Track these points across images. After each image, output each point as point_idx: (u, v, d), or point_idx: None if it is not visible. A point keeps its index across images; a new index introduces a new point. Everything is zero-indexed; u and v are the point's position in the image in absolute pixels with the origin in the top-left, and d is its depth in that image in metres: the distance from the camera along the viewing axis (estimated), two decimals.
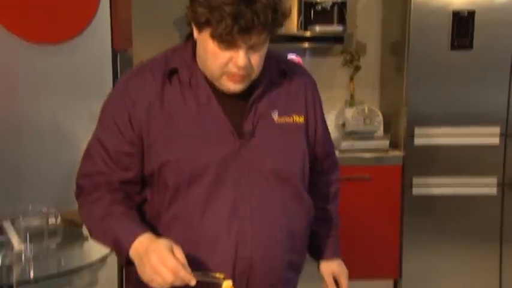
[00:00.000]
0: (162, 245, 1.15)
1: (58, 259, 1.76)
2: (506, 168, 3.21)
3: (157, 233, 1.27)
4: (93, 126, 1.34)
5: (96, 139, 1.32)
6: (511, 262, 3.29)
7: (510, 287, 3.32)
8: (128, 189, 1.32)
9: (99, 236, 1.30)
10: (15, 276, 1.65)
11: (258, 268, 1.29)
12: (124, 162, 1.29)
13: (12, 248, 1.69)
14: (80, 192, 1.34)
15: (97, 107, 1.33)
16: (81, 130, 1.48)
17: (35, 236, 1.72)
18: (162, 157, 1.26)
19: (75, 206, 2.00)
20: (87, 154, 1.34)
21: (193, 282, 1.14)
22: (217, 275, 1.20)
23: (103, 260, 1.79)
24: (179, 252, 1.15)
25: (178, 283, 1.14)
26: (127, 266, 1.25)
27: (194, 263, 1.26)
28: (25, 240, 1.70)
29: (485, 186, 3.23)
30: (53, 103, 2.12)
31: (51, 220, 1.79)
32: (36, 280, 1.65)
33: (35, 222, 1.76)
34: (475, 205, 3.25)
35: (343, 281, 1.52)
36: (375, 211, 3.24)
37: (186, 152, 1.26)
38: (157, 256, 1.13)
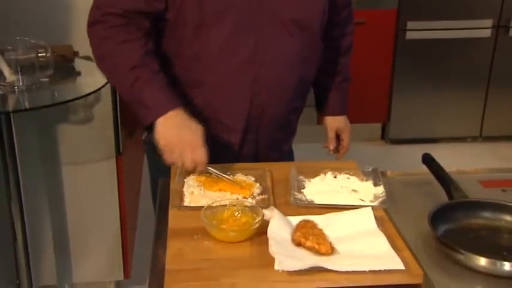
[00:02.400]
0: (199, 130, 1.19)
1: (51, 91, 1.76)
2: (504, 9, 3.15)
3: (175, 72, 1.29)
4: None
5: None
6: (495, 104, 3.38)
7: (490, 128, 3.44)
8: (153, 26, 1.28)
9: (124, 85, 1.27)
10: (10, 104, 1.68)
11: (269, 113, 1.35)
12: None
13: (4, 78, 1.68)
14: (100, 20, 1.26)
15: None
16: None
17: (25, 68, 1.71)
18: None
19: (65, 41, 1.99)
20: None
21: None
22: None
23: (97, 93, 1.80)
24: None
25: (186, 169, 1.20)
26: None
27: (213, 108, 1.30)
28: (16, 72, 1.69)
29: (480, 28, 3.20)
30: None
31: (41, 53, 1.76)
32: (31, 109, 1.68)
33: (25, 54, 1.74)
34: (468, 48, 3.25)
35: (345, 137, 1.54)
36: (367, 56, 3.23)
37: None
38: (192, 138, 1.18)
